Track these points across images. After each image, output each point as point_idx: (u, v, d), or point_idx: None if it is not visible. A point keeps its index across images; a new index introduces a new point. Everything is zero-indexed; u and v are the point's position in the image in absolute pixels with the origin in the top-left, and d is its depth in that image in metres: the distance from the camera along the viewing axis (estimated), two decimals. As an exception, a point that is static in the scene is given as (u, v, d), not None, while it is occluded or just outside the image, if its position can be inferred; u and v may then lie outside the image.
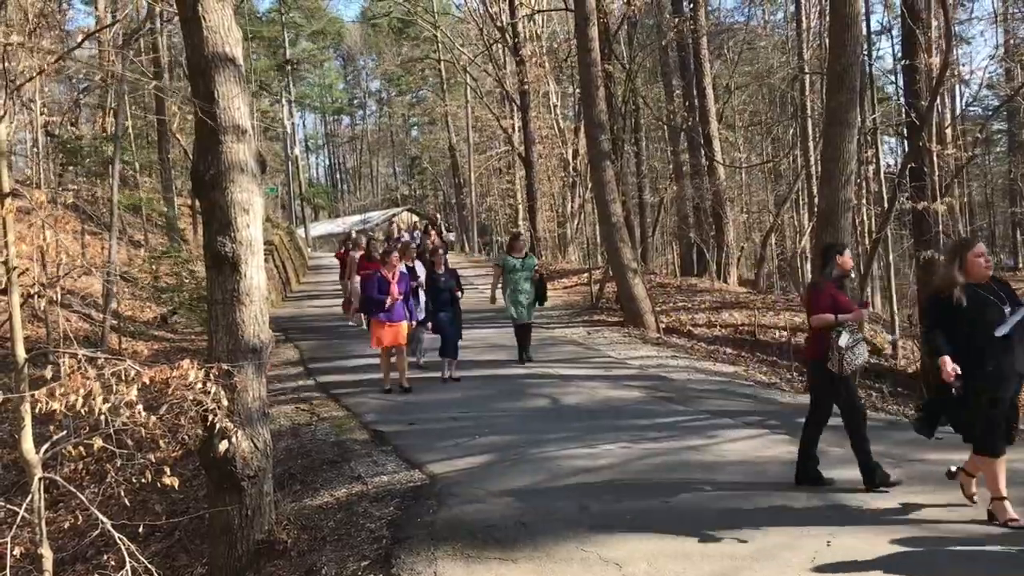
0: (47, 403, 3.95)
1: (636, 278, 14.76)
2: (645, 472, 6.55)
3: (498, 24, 27.73)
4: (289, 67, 43.88)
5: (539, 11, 28.53)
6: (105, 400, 3.97)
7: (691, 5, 24.23)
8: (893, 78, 23.42)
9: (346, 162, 72.48)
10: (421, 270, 11.65)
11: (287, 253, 25.26)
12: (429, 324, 10.88)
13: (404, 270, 10.64)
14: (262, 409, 5.89)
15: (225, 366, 4.90)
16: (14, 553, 4.10)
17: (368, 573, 5.00)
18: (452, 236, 27.41)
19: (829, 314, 5.77)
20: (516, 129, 29.55)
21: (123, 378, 4.08)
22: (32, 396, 4.07)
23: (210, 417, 4.64)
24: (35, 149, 17.73)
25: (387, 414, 8.95)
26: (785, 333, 15.14)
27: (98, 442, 4.18)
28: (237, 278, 5.67)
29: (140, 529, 5.38)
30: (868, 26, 18.01)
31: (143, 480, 4.67)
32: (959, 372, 4.92)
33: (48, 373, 4.15)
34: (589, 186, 22.07)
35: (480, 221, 38.63)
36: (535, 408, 9.02)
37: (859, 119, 12.34)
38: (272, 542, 5.77)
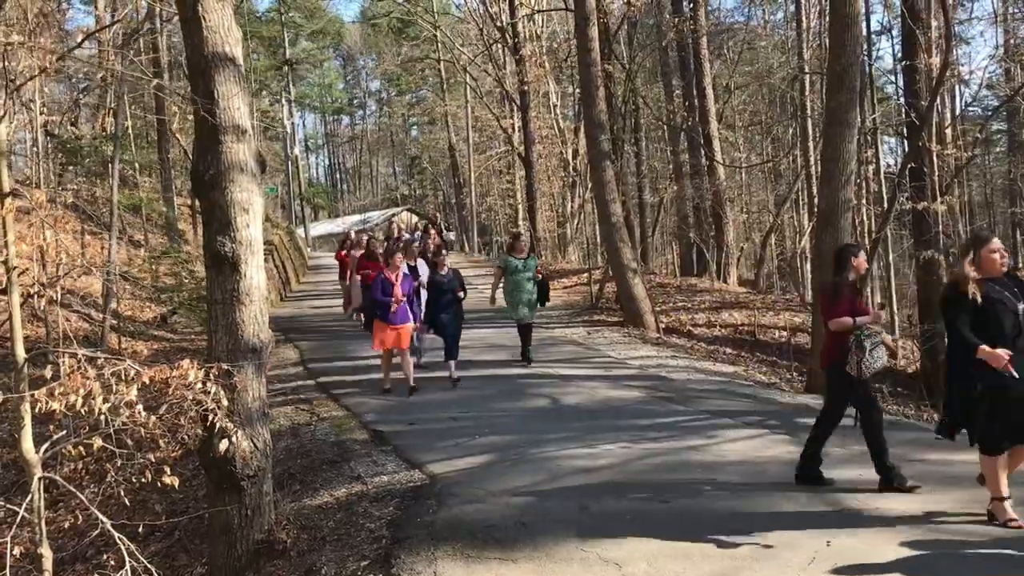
0: (47, 403, 3.95)
1: (636, 278, 14.75)
2: (645, 472, 6.55)
3: (498, 24, 27.71)
4: (289, 67, 43.78)
5: (539, 11, 28.52)
6: (105, 400, 3.97)
7: (691, 5, 24.22)
8: (893, 78, 23.50)
9: (346, 162, 72.45)
10: (423, 269, 11.56)
11: (287, 253, 25.26)
12: (428, 327, 10.84)
13: (406, 270, 10.59)
14: (262, 409, 5.89)
15: (225, 366, 4.91)
16: (14, 553, 4.10)
17: (368, 573, 5.00)
18: (452, 236, 27.45)
19: (847, 317, 5.77)
20: (516, 129, 29.52)
21: (123, 378, 4.08)
22: (32, 396, 4.08)
23: (210, 417, 4.64)
24: (35, 149, 17.77)
25: (387, 414, 8.94)
26: (785, 333, 15.16)
27: (98, 442, 4.18)
28: (237, 278, 5.67)
29: (140, 529, 5.39)
30: (868, 26, 18.09)
31: (143, 480, 4.67)
32: (1010, 354, 4.86)
33: (48, 373, 4.15)
34: (589, 186, 22.08)
35: (480, 221, 38.60)
36: (535, 408, 9.02)
37: (859, 119, 12.33)
38: (272, 542, 5.77)
